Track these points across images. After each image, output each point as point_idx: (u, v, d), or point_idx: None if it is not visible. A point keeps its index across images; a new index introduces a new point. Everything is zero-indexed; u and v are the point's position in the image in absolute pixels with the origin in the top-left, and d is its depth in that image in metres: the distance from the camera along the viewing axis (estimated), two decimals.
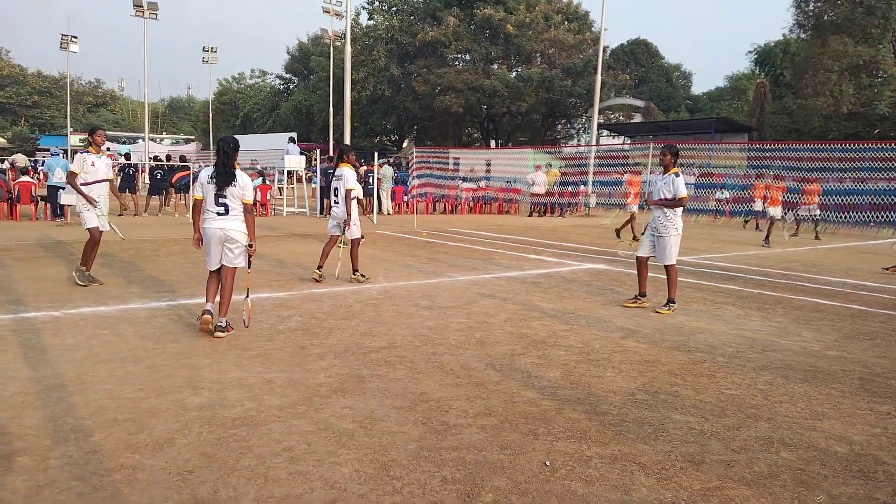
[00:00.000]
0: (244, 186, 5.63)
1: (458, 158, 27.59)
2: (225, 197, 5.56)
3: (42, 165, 23.75)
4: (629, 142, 39.17)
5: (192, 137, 66.30)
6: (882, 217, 17.27)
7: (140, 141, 47.59)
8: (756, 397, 4.45)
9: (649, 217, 7.51)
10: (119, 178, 18.07)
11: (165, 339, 5.41)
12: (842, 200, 16.99)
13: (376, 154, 20.36)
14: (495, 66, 44.71)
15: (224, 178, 5.53)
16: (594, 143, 27.23)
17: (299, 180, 22.82)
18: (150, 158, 24.97)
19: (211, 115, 54.81)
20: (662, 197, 7.14)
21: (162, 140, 59.98)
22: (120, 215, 16.04)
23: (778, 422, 4.01)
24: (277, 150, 26.35)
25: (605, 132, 44.35)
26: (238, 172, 5.62)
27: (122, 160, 20.47)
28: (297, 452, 3.35)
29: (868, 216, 17.58)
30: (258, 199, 18.48)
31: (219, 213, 5.59)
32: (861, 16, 30.58)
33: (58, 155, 16.87)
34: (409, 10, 46.68)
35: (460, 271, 9.61)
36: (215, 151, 5.71)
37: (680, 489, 3.10)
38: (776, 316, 7.18)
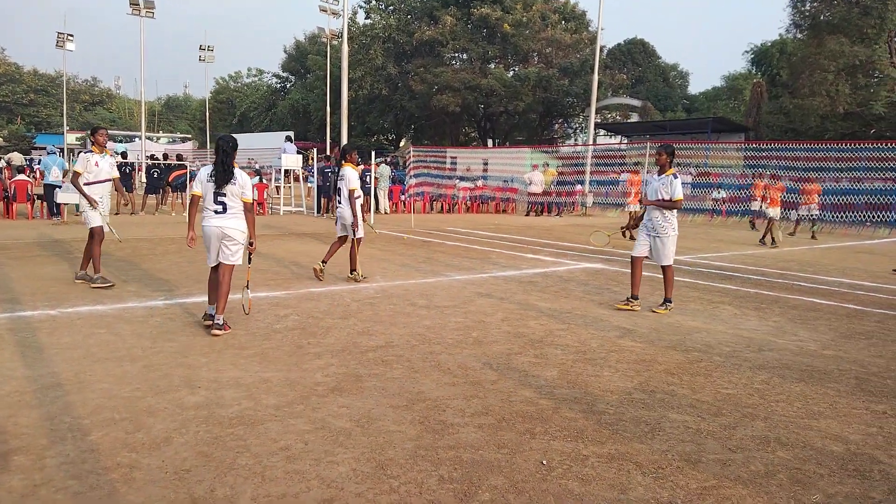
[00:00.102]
0: (244, 185, 5.70)
1: (456, 158, 27.62)
2: (224, 195, 5.63)
3: (38, 164, 23.72)
4: (626, 141, 39.23)
5: (189, 136, 66.21)
6: (878, 217, 17.36)
7: (137, 139, 47.50)
8: (752, 396, 4.46)
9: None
10: None
11: (162, 338, 5.40)
12: (838, 200, 17.05)
13: (373, 153, 20.34)
14: (492, 66, 44.70)
15: (223, 176, 5.59)
16: (591, 142, 27.24)
17: (296, 179, 22.80)
18: (147, 157, 24.92)
19: (208, 113, 54.68)
20: (659, 198, 7.08)
21: (159, 139, 59.84)
22: (116, 213, 16.01)
23: (774, 421, 4.02)
24: (274, 148, 26.34)
25: (602, 132, 44.38)
26: (237, 171, 5.69)
27: (119, 159, 20.43)
28: (293, 451, 3.35)
29: (864, 216, 17.64)
30: (255, 198, 18.46)
31: (216, 212, 5.65)
32: (857, 16, 30.67)
33: (54, 153, 16.86)
34: (406, 9, 46.65)
35: (457, 271, 9.62)
36: (214, 150, 5.76)
37: (676, 488, 3.10)
38: (773, 315, 7.20)
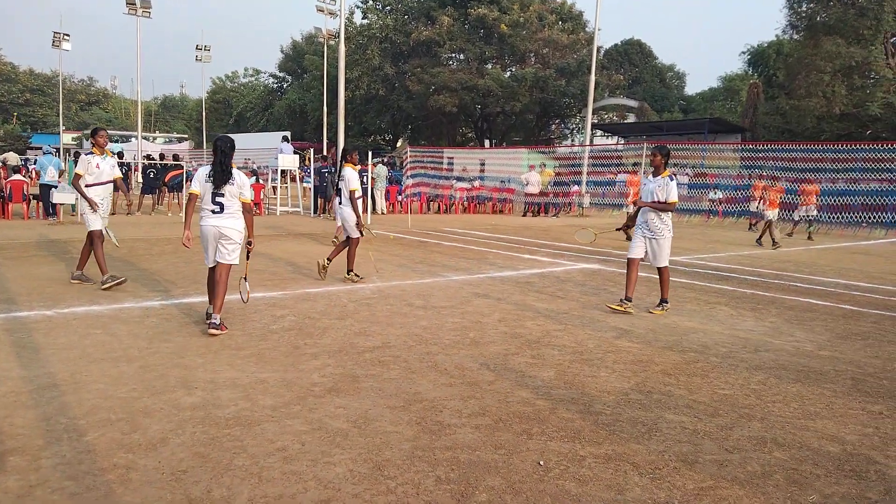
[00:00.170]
0: (242, 185, 5.76)
1: (453, 158, 27.61)
2: (222, 196, 5.67)
3: (34, 164, 23.60)
4: (623, 142, 39.31)
5: (186, 136, 66.08)
6: (874, 217, 17.40)
7: (133, 139, 47.37)
8: (749, 397, 4.47)
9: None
10: None
11: (159, 338, 5.39)
12: (834, 201, 17.10)
13: (370, 153, 20.33)
14: (489, 66, 44.72)
15: (222, 176, 5.64)
16: (588, 143, 27.25)
17: (293, 179, 22.78)
18: (143, 157, 24.87)
19: (204, 113, 54.65)
20: (655, 199, 7.00)
21: (155, 139, 59.70)
22: (112, 213, 15.95)
23: (771, 421, 4.03)
24: (271, 149, 26.30)
25: (599, 132, 44.45)
26: (235, 171, 5.75)
27: (116, 159, 20.39)
28: (290, 452, 3.35)
29: (860, 217, 17.68)
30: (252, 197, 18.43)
31: (213, 212, 5.69)
32: (853, 17, 30.77)
33: (50, 153, 16.78)
34: (403, 9, 46.64)
35: (454, 271, 9.62)
36: (213, 150, 5.79)
37: (673, 489, 3.11)
38: (769, 316, 7.21)
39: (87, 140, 7.92)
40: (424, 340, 5.64)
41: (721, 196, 22.94)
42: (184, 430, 3.57)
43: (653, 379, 4.79)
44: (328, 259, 8.50)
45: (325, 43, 40.49)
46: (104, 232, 7.62)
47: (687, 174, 23.75)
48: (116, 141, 49.50)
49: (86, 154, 7.68)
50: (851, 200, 16.89)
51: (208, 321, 5.61)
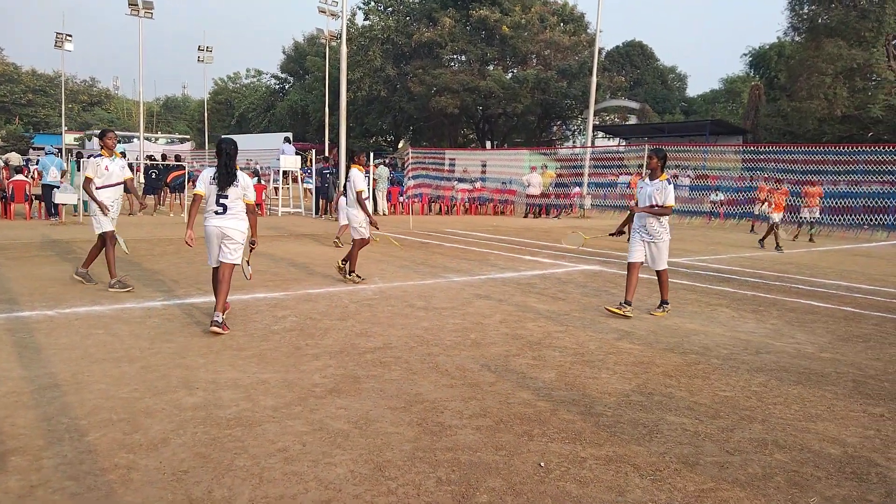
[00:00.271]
0: (246, 186, 5.84)
1: (454, 159, 27.61)
2: (226, 197, 5.74)
3: (36, 164, 23.62)
4: (624, 143, 39.29)
5: (188, 137, 66.15)
6: (876, 220, 17.36)
7: (135, 140, 47.41)
8: (750, 399, 4.47)
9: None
10: None
11: (160, 338, 5.40)
12: (836, 203, 17.06)
13: (372, 154, 20.34)
14: (491, 68, 44.78)
15: (226, 178, 5.70)
16: (589, 144, 27.23)
17: (295, 180, 22.79)
18: (146, 158, 24.90)
19: (206, 114, 54.67)
20: (653, 203, 6.92)
21: (157, 139, 59.76)
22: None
23: (772, 423, 4.03)
24: (273, 150, 26.31)
25: (601, 134, 44.43)
26: (239, 173, 5.81)
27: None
28: (291, 453, 3.35)
29: (862, 219, 17.63)
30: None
31: (216, 213, 5.76)
32: (855, 19, 30.77)
33: (52, 154, 16.80)
34: (404, 10, 46.72)
35: (456, 272, 9.62)
36: (216, 153, 5.83)
37: (674, 490, 3.11)
38: (770, 318, 7.20)
39: (90, 140, 7.87)
40: (426, 341, 5.64)
41: (722, 198, 22.91)
42: (185, 430, 3.57)
43: (654, 381, 4.79)
44: (343, 260, 8.60)
45: (326, 44, 40.48)
46: (118, 239, 7.59)
47: (688, 176, 23.74)
48: (119, 141, 49.62)
49: (95, 156, 7.62)
50: (853, 202, 16.84)
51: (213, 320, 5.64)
